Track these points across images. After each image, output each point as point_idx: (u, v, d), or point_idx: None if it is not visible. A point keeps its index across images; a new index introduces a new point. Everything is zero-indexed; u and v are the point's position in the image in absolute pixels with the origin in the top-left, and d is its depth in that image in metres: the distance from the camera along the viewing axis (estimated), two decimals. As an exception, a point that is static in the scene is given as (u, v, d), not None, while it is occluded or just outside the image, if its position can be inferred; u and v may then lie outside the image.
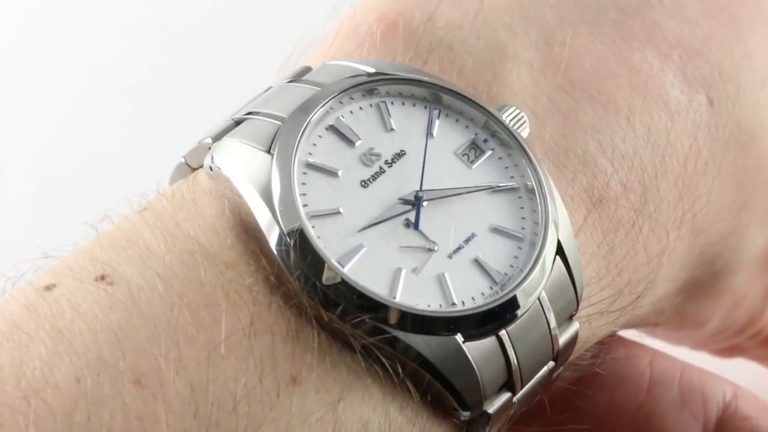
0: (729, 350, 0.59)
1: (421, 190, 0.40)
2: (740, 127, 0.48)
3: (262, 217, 0.38)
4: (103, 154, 0.81)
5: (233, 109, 0.43)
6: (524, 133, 0.43)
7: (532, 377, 0.41)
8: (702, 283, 0.50)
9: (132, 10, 0.89)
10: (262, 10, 0.88)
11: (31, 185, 0.80)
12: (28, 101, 0.84)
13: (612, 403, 0.51)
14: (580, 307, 0.42)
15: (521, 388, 0.41)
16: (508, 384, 0.40)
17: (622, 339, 0.52)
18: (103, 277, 0.38)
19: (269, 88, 0.43)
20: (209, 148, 0.41)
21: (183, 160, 0.42)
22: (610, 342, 0.49)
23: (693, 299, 0.51)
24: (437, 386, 0.38)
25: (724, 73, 0.47)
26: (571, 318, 0.42)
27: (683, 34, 0.47)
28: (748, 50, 0.48)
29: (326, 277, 0.38)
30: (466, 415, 0.39)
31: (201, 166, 0.41)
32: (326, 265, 0.38)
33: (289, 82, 0.43)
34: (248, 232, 0.39)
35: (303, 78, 0.43)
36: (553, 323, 0.41)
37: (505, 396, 0.40)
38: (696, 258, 0.49)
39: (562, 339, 0.42)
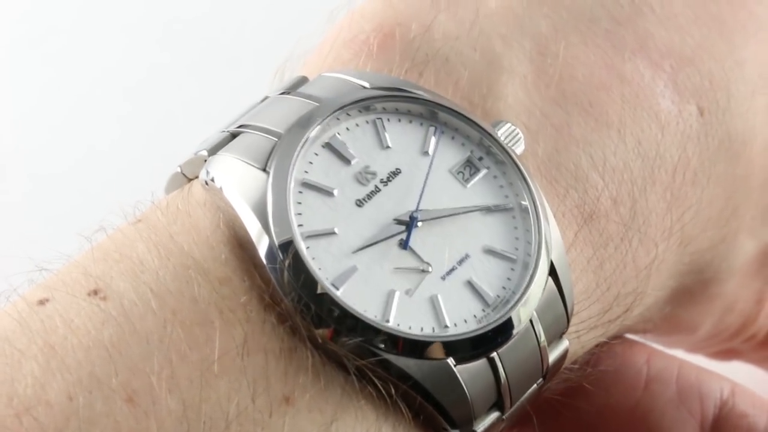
0: (724, 354, 0.59)
1: (417, 210, 0.40)
2: (730, 136, 0.48)
3: (257, 236, 0.38)
4: (102, 154, 0.81)
5: (234, 109, 0.43)
6: (519, 149, 0.43)
7: (522, 396, 0.41)
8: (691, 290, 0.51)
9: (132, 10, 0.89)
10: (262, 9, 0.88)
11: (29, 187, 0.80)
12: (27, 101, 0.84)
13: (609, 400, 0.51)
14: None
15: (510, 407, 0.41)
16: (498, 403, 0.40)
17: (619, 339, 0.52)
18: (96, 292, 0.38)
19: (265, 98, 0.43)
20: (205, 161, 0.41)
21: (179, 169, 0.42)
22: (600, 352, 0.49)
23: (683, 306, 0.51)
24: (429, 408, 0.39)
25: (715, 82, 0.47)
26: (561, 336, 0.42)
27: (674, 43, 0.47)
28: (740, 58, 0.48)
29: (320, 297, 0.38)
30: None
31: (196, 177, 0.41)
32: (320, 286, 0.38)
33: (285, 93, 0.43)
34: (242, 248, 0.39)
35: (298, 90, 0.43)
36: (543, 343, 0.41)
37: (495, 415, 0.40)
38: (685, 267, 0.49)
39: (552, 357, 0.42)
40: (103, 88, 0.83)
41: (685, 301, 0.51)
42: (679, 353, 0.56)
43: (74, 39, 0.86)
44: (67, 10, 0.87)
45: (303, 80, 0.44)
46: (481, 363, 0.39)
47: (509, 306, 0.40)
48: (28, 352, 0.36)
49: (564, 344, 0.42)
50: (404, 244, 0.40)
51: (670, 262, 0.47)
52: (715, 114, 0.47)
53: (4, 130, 0.83)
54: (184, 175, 0.42)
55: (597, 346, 0.48)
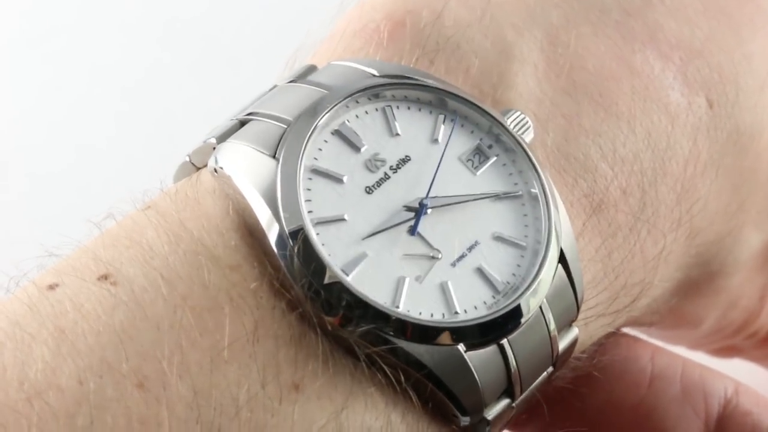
0: (726, 350, 0.59)
1: (427, 197, 0.40)
2: (738, 129, 0.48)
3: (267, 223, 0.38)
4: (103, 151, 0.81)
5: (234, 107, 0.43)
6: (528, 137, 0.43)
7: (532, 383, 0.41)
8: (697, 283, 0.51)
9: (132, 9, 0.89)
10: (262, 8, 0.88)
11: (33, 183, 0.80)
12: (29, 99, 0.84)
13: (613, 397, 0.51)
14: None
15: (520, 395, 0.41)
16: (508, 390, 0.40)
17: (624, 335, 0.52)
18: (106, 277, 0.37)
19: (274, 87, 0.43)
20: (214, 149, 0.41)
21: (187, 158, 0.42)
22: (607, 342, 0.49)
23: (688, 299, 0.51)
24: (439, 395, 0.39)
25: (724, 75, 0.47)
26: (570, 324, 0.42)
27: (684, 35, 0.47)
28: (748, 52, 0.48)
29: (330, 285, 0.37)
30: (465, 420, 0.40)
31: (205, 165, 0.41)
32: (330, 272, 0.38)
33: (294, 81, 0.43)
34: (252, 235, 0.39)
35: (307, 78, 0.43)
36: (553, 330, 0.41)
37: (505, 402, 0.40)
38: (692, 259, 0.49)
39: (562, 345, 0.42)
40: (103, 88, 0.84)
41: (691, 293, 0.51)
42: (682, 351, 0.56)
43: (74, 38, 0.86)
44: (66, 10, 0.88)
45: (312, 69, 0.44)
46: (491, 350, 0.39)
47: (519, 292, 0.40)
48: (39, 336, 0.36)
49: (573, 332, 0.42)
50: (413, 230, 0.40)
51: (678, 253, 0.47)
52: (724, 107, 0.47)
53: (6, 128, 0.83)
54: (192, 164, 0.42)
55: (605, 336, 0.48)
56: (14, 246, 0.41)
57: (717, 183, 0.48)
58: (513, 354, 0.40)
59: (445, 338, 0.38)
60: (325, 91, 0.41)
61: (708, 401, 0.51)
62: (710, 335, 0.56)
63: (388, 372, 0.38)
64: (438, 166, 0.41)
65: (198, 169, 0.42)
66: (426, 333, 0.38)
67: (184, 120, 0.79)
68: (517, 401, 0.41)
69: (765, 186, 0.50)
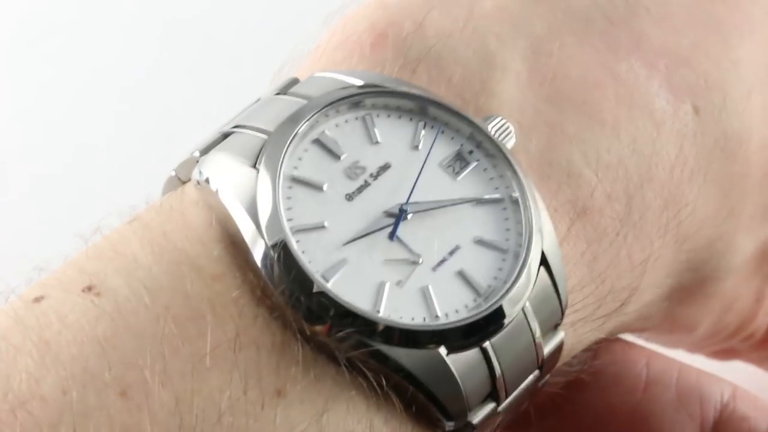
0: (723, 353, 0.59)
1: (407, 203, 0.41)
2: (726, 135, 0.48)
3: (248, 232, 0.39)
4: (102, 152, 0.81)
5: (233, 108, 0.43)
6: (510, 143, 0.43)
7: (517, 387, 0.41)
8: (689, 289, 0.50)
9: (131, 9, 0.89)
10: (261, 9, 0.88)
11: (28, 187, 0.80)
12: (26, 101, 0.84)
13: (608, 403, 0.51)
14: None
15: (506, 398, 0.41)
16: (493, 394, 0.40)
17: (618, 340, 0.52)
18: (90, 288, 0.38)
19: (257, 100, 0.44)
20: (197, 162, 0.41)
21: (173, 173, 0.43)
22: (599, 348, 0.49)
23: (681, 304, 0.51)
24: (421, 398, 0.39)
25: (711, 82, 0.47)
26: (556, 327, 0.42)
27: (669, 43, 0.47)
28: (735, 58, 0.48)
29: (310, 292, 0.38)
30: (450, 425, 0.40)
31: (190, 179, 0.42)
32: (311, 280, 0.38)
33: (277, 94, 0.43)
34: (235, 245, 0.39)
35: (290, 90, 0.43)
36: (537, 333, 0.41)
37: (490, 406, 0.41)
38: (682, 265, 0.49)
39: (547, 348, 0.42)
40: (102, 88, 0.84)
41: (683, 299, 0.51)
42: (679, 355, 0.56)
43: (73, 38, 0.86)
44: (66, 10, 0.88)
45: (294, 81, 0.44)
46: (473, 353, 0.39)
47: (500, 294, 0.40)
48: (23, 347, 0.36)
49: (559, 335, 0.42)
50: (392, 235, 0.40)
51: (667, 259, 0.47)
52: (711, 113, 0.47)
53: (4, 129, 0.83)
54: (178, 178, 0.43)
55: (596, 342, 0.48)
56: (2, 261, 0.42)
57: (705, 189, 0.48)
58: (496, 357, 0.40)
59: (425, 341, 0.39)
60: (306, 101, 0.42)
61: (704, 406, 0.51)
62: (707, 339, 0.56)
63: (370, 376, 0.38)
64: (420, 172, 0.41)
65: (184, 182, 0.42)
66: (406, 336, 0.38)
67: (184, 120, 0.80)
68: (502, 405, 0.41)
69: (755, 191, 0.50)
